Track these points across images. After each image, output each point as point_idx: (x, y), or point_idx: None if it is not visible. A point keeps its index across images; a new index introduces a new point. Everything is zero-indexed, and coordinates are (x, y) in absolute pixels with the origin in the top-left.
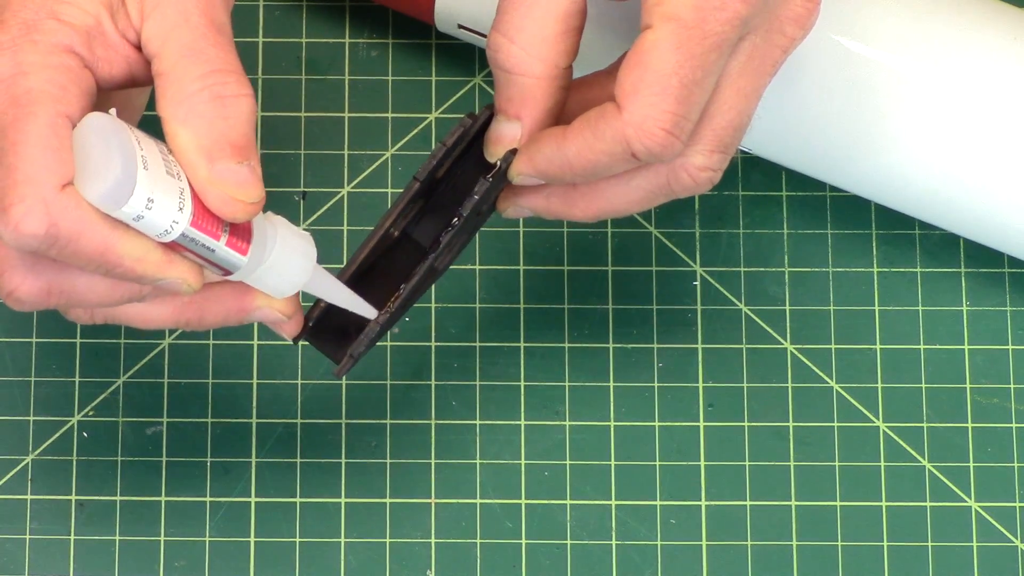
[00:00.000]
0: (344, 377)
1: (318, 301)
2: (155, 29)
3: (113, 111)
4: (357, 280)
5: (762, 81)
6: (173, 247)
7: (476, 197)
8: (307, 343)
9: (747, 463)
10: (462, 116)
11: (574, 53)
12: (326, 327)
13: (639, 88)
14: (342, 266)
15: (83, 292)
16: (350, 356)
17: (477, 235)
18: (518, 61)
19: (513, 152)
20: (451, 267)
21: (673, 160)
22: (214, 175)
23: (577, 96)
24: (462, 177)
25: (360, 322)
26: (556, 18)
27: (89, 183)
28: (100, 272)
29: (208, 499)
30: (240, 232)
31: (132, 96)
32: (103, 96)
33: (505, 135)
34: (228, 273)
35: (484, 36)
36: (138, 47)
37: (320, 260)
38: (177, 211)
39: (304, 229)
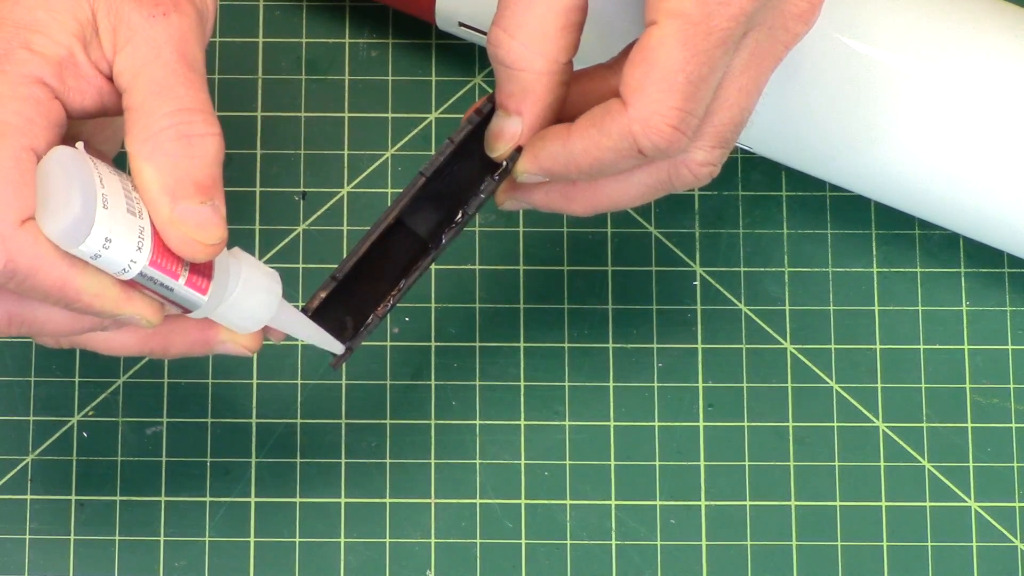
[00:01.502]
0: (344, 376)
1: (317, 292)
2: (127, 63)
3: (80, 145)
4: (354, 271)
5: (764, 77)
6: (132, 284)
7: (483, 196)
8: None
9: (747, 463)
10: (469, 113)
11: (575, 49)
12: (324, 319)
13: (645, 85)
14: (339, 265)
15: (44, 322)
16: (348, 349)
17: (477, 235)
18: (519, 57)
19: (518, 150)
20: (451, 267)
21: (676, 156)
22: (175, 215)
23: (577, 89)
24: (460, 168)
25: (358, 314)
26: (557, 13)
27: (48, 219)
28: (59, 305)
29: (208, 499)
30: (201, 270)
31: (116, 119)
32: (79, 123)
33: (506, 131)
34: (188, 311)
35: (485, 34)
36: (111, 78)
37: (319, 260)
38: (135, 251)
39: (306, 227)
